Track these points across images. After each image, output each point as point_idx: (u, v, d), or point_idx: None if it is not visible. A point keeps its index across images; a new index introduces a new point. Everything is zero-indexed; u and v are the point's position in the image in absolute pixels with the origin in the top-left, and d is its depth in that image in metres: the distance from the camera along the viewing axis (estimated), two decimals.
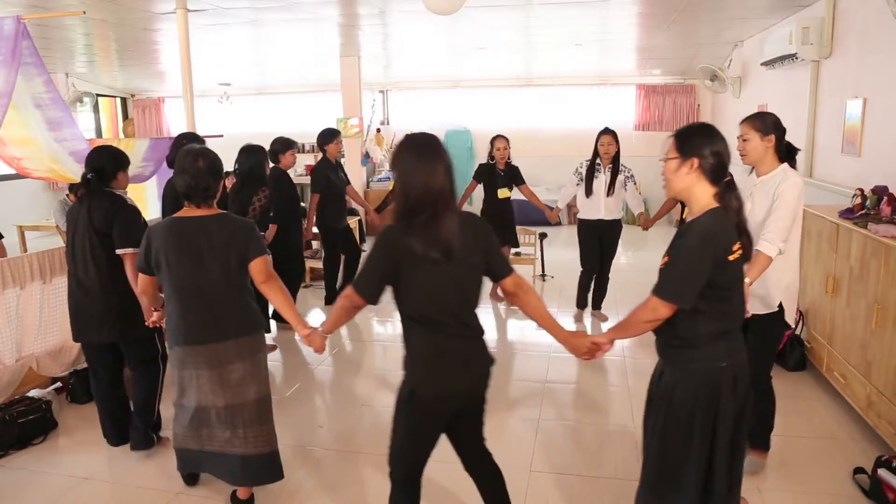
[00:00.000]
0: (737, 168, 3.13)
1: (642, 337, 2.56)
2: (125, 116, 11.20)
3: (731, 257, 1.89)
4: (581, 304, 5.34)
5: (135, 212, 3.14)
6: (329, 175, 5.47)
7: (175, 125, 11.19)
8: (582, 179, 5.02)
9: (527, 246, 6.55)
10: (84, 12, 4.34)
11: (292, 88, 10.82)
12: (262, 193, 4.38)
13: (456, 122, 10.36)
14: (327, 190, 5.42)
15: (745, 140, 2.75)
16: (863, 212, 3.54)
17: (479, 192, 5.73)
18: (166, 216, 3.15)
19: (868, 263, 3.22)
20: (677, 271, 1.90)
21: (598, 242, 5.09)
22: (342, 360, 4.72)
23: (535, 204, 5.64)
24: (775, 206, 2.62)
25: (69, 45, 7.04)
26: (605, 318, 5.27)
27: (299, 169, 9.43)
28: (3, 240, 4.43)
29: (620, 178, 4.95)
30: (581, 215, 5.14)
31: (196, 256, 2.47)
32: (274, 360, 4.63)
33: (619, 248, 5.28)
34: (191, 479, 2.98)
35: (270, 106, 11.05)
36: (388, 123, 10.72)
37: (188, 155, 2.53)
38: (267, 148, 4.74)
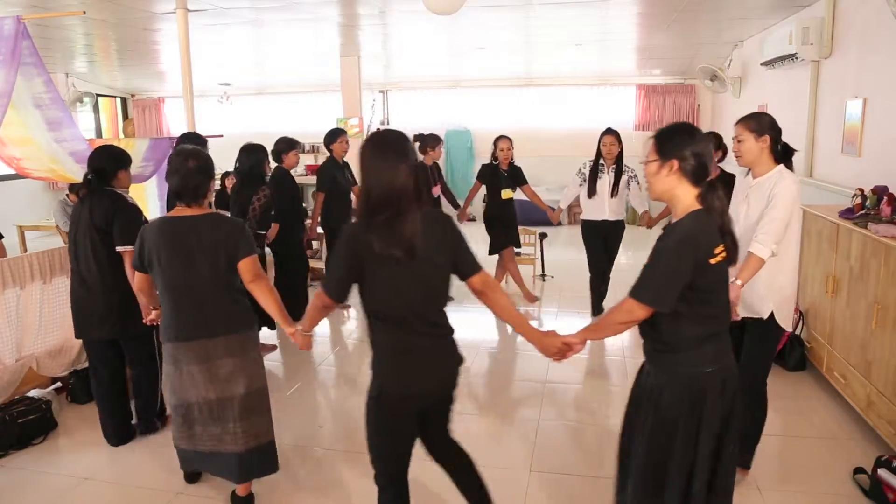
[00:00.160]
0: (736, 168, 3.14)
1: None
2: (125, 116, 11.20)
3: (712, 260, 1.85)
4: (597, 310, 5.26)
5: (135, 210, 3.20)
6: (335, 175, 5.49)
7: (175, 125, 11.19)
8: (585, 180, 4.99)
9: (527, 246, 6.55)
10: (84, 12, 4.34)
11: (292, 88, 10.81)
12: (262, 193, 4.38)
13: (456, 122, 10.36)
14: (333, 189, 5.43)
15: (739, 141, 2.71)
16: (863, 212, 3.54)
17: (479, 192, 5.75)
18: None
19: (868, 263, 3.22)
20: (655, 274, 1.87)
21: (603, 243, 5.07)
22: (343, 359, 4.72)
23: (537, 204, 5.64)
24: (769, 207, 2.59)
25: (69, 45, 7.04)
26: None
27: (299, 169, 9.42)
28: (3, 240, 4.43)
29: (624, 178, 4.93)
30: (584, 216, 5.12)
31: (186, 255, 2.51)
32: (275, 359, 4.63)
33: (620, 248, 5.28)
34: (191, 477, 2.99)
35: (270, 106, 11.04)
36: (388, 123, 10.72)
37: (179, 155, 2.59)
38: (266, 147, 4.74)
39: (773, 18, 5.86)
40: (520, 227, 6.00)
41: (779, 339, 2.81)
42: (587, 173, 4.99)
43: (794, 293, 2.79)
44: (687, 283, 1.82)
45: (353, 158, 8.39)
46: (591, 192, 4.96)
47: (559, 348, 2.12)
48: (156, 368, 3.28)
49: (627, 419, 2.14)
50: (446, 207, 5.83)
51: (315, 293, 2.12)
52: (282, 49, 7.83)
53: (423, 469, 3.09)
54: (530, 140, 9.80)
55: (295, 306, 4.36)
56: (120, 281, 3.11)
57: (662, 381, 1.95)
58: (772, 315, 2.69)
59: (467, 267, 2.10)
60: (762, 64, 5.93)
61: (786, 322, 2.73)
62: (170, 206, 4.22)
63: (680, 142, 1.88)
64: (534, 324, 5.58)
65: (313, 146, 9.60)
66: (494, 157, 5.54)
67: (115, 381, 3.35)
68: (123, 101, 11.21)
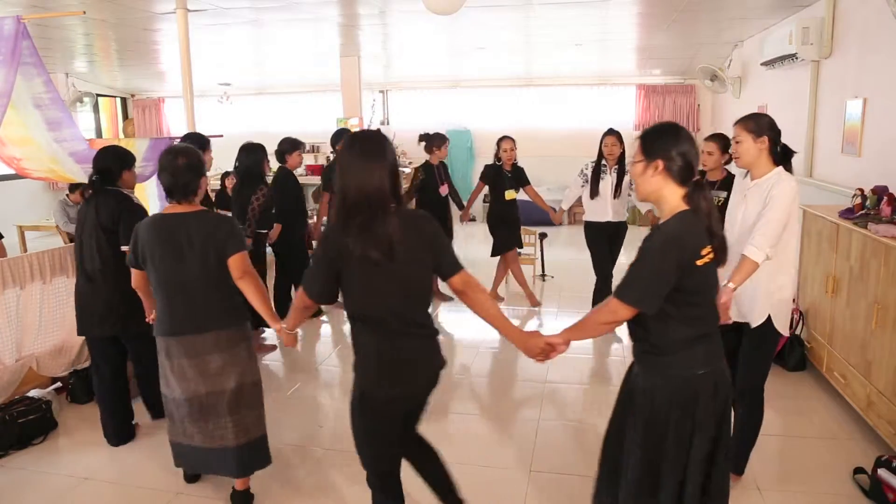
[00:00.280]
0: (735, 169, 3.13)
1: None
2: (125, 116, 11.21)
3: (699, 261, 1.82)
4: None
5: (141, 210, 3.26)
6: None
7: (175, 125, 11.19)
8: (587, 181, 4.97)
9: (527, 246, 6.54)
10: (84, 12, 4.34)
11: (292, 88, 10.82)
12: (261, 192, 4.39)
13: (456, 122, 10.36)
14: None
15: (737, 142, 2.67)
16: (863, 212, 3.54)
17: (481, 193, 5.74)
18: None
19: (868, 263, 3.22)
20: (640, 275, 1.84)
21: (608, 245, 5.04)
22: (343, 359, 4.72)
23: (539, 205, 5.64)
24: (766, 209, 2.54)
25: (69, 45, 7.04)
26: None
27: (299, 168, 9.43)
28: (3, 240, 4.43)
29: (626, 178, 4.89)
30: (587, 218, 5.08)
31: (177, 252, 2.55)
32: (275, 359, 4.64)
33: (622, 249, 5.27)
34: (191, 477, 2.99)
35: (270, 106, 11.05)
36: (388, 123, 10.72)
37: (168, 153, 2.62)
38: (266, 146, 4.75)
39: (773, 18, 5.86)
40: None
41: (776, 344, 2.76)
42: (589, 174, 4.97)
43: (791, 297, 2.73)
44: (674, 284, 1.80)
45: None
46: (594, 193, 4.93)
47: (542, 349, 2.08)
48: (157, 366, 3.29)
49: (615, 420, 2.11)
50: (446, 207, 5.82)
51: (297, 293, 2.12)
52: (282, 49, 7.83)
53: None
54: (530, 140, 9.79)
55: None
56: (122, 279, 3.10)
57: (654, 384, 1.92)
58: (769, 319, 2.65)
59: (448, 267, 2.08)
60: (762, 64, 5.93)
61: (783, 327, 2.68)
62: None
63: (665, 142, 1.86)
64: (534, 323, 5.60)
65: (313, 146, 9.61)
66: (498, 157, 5.52)
67: (117, 379, 3.37)
68: (123, 101, 11.21)
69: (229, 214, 3.81)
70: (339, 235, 1.94)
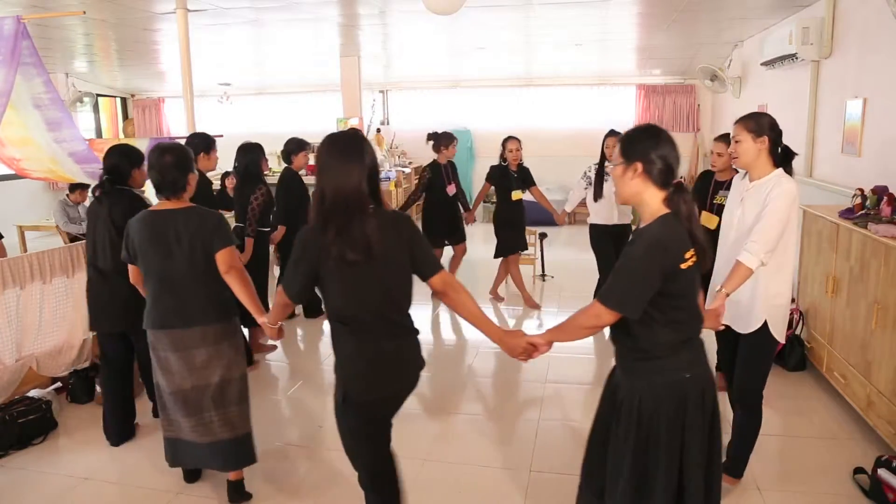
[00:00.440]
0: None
1: None
2: (125, 116, 11.21)
3: (683, 265, 1.80)
4: None
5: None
6: None
7: (175, 125, 11.20)
8: (590, 183, 4.93)
9: None
10: (84, 12, 4.34)
11: (292, 88, 10.82)
12: (260, 192, 4.40)
13: (456, 122, 10.37)
14: None
15: (736, 141, 2.60)
16: (863, 212, 3.54)
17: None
18: None
19: (868, 263, 3.22)
20: (623, 280, 1.82)
21: (613, 248, 4.96)
22: None
23: (544, 206, 5.63)
24: (763, 213, 2.47)
25: (69, 45, 7.04)
26: None
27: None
28: (3, 240, 4.43)
29: None
30: (592, 220, 5.04)
31: (164, 247, 2.61)
32: (276, 359, 4.63)
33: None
34: (191, 477, 2.99)
35: (270, 106, 11.05)
36: (388, 123, 10.73)
37: (155, 151, 2.68)
38: (266, 147, 4.75)
39: (773, 18, 5.86)
40: None
41: (774, 350, 2.70)
42: (592, 176, 4.92)
43: (788, 303, 2.68)
44: (658, 289, 1.78)
45: None
46: (598, 195, 4.88)
47: (525, 348, 2.08)
48: None
49: (599, 424, 2.07)
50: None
51: (277, 290, 2.13)
52: (282, 49, 7.83)
53: (424, 468, 3.10)
54: (530, 140, 9.74)
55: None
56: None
57: (640, 390, 1.89)
58: (765, 325, 2.59)
59: (427, 267, 2.07)
60: (762, 64, 5.93)
61: (780, 333, 2.63)
62: None
63: (644, 144, 1.84)
64: (534, 323, 5.60)
65: (313, 147, 9.61)
66: (503, 157, 5.49)
67: (123, 375, 3.40)
68: (123, 101, 11.21)
69: (226, 213, 3.82)
70: (318, 236, 1.94)
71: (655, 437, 1.86)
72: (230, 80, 10.15)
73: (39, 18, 5.16)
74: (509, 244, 5.57)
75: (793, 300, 4.43)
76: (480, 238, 5.96)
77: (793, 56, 5.11)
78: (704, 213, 3.81)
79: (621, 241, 4.98)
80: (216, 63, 8.54)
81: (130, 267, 2.77)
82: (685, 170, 9.92)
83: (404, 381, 2.14)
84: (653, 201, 1.85)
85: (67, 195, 6.92)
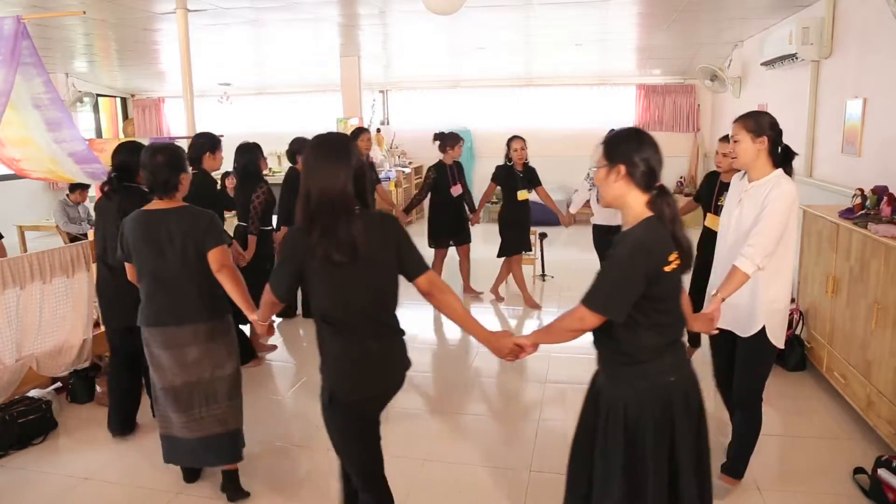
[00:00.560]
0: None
1: None
2: (125, 116, 11.21)
3: (666, 268, 1.79)
4: None
5: None
6: None
7: (175, 125, 11.20)
8: (593, 185, 4.88)
9: None
10: (84, 12, 4.34)
11: (292, 88, 10.82)
12: (261, 190, 4.41)
13: (456, 122, 10.36)
14: None
15: (735, 141, 2.55)
16: (863, 212, 3.54)
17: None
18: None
19: (868, 263, 3.22)
20: (607, 283, 1.82)
21: None
22: None
23: (549, 206, 5.63)
24: (762, 216, 2.42)
25: (69, 45, 7.04)
26: None
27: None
28: (3, 240, 4.43)
29: None
30: (596, 221, 5.02)
31: (157, 246, 2.66)
32: (277, 359, 4.63)
33: None
34: (191, 477, 3.00)
35: (270, 106, 11.05)
36: (388, 123, 10.73)
37: (148, 151, 2.73)
38: (266, 146, 4.76)
39: (773, 18, 5.86)
40: None
41: (772, 356, 2.66)
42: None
43: (787, 307, 2.63)
44: (642, 292, 1.78)
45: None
46: (601, 196, 4.88)
47: (511, 349, 2.08)
48: None
49: (583, 432, 2.06)
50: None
51: (265, 288, 2.14)
52: (282, 49, 7.83)
53: (424, 468, 3.10)
54: (530, 140, 9.66)
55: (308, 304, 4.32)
56: None
57: (624, 394, 1.88)
58: (763, 330, 2.56)
59: (413, 267, 2.08)
60: (762, 64, 5.93)
61: (777, 339, 2.59)
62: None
63: (627, 147, 1.84)
64: (534, 323, 5.59)
65: None
66: (508, 157, 5.48)
67: (131, 369, 3.43)
68: (123, 101, 11.21)
69: (228, 213, 3.83)
70: (303, 237, 1.95)
71: (643, 442, 1.85)
72: (230, 80, 10.15)
73: (39, 18, 5.16)
74: (514, 244, 5.57)
75: (793, 300, 4.43)
76: (480, 237, 5.96)
77: (793, 56, 5.11)
78: (710, 216, 3.79)
79: None
80: (216, 63, 8.53)
81: (127, 265, 2.81)
82: (685, 170, 9.93)
83: (390, 380, 2.15)
84: (636, 204, 1.85)
85: (67, 195, 6.93)
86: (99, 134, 10.46)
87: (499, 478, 3.01)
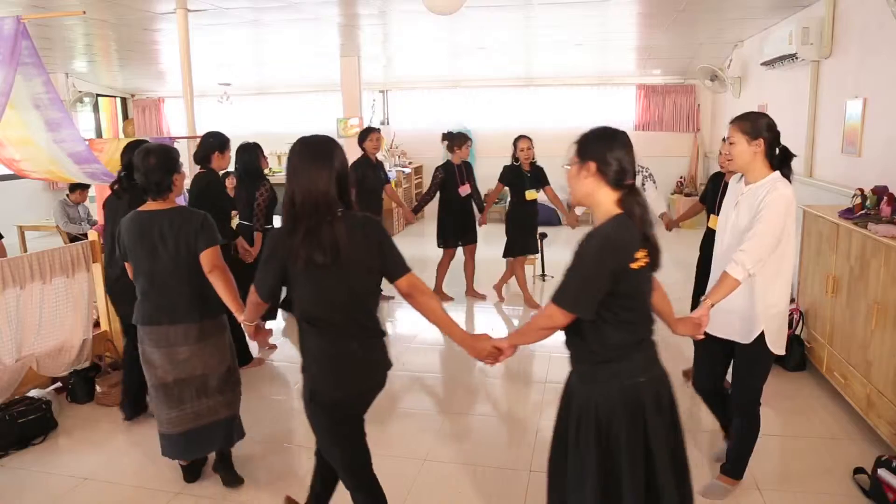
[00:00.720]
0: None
1: None
2: (125, 116, 11.21)
3: (633, 265, 1.78)
4: None
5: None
6: (366, 172, 5.58)
7: (175, 125, 11.20)
8: None
9: None
10: (84, 12, 4.33)
11: (292, 88, 10.82)
12: (264, 188, 4.43)
13: (456, 122, 10.37)
14: (361, 187, 5.54)
15: (731, 143, 2.50)
16: (863, 212, 3.54)
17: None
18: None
19: (868, 263, 3.22)
20: (575, 280, 1.81)
21: None
22: None
23: (557, 206, 5.63)
24: (756, 220, 2.37)
25: (69, 45, 7.04)
26: None
27: None
28: (3, 240, 4.43)
29: (638, 178, 4.77)
30: None
31: (150, 246, 2.70)
32: (279, 358, 4.63)
33: None
34: (190, 476, 3.00)
35: (270, 106, 11.05)
36: (388, 123, 10.73)
37: (140, 153, 2.75)
38: (266, 146, 4.76)
39: (773, 18, 5.86)
40: None
41: (770, 362, 2.61)
42: None
43: (786, 312, 2.58)
44: (608, 289, 1.78)
45: (349, 159, 8.55)
46: None
47: (490, 352, 2.09)
48: None
49: (558, 440, 2.04)
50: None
51: (251, 289, 2.16)
52: (282, 49, 7.83)
53: (423, 468, 3.09)
54: None
55: None
56: None
57: (596, 397, 1.88)
58: (761, 337, 2.52)
59: (394, 269, 2.10)
60: (762, 64, 5.93)
61: (776, 344, 2.55)
62: (190, 203, 4.32)
63: (598, 145, 1.85)
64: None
65: None
66: (515, 157, 5.46)
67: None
68: (123, 101, 11.21)
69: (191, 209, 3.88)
70: (287, 238, 1.97)
71: (615, 442, 1.84)
72: (230, 80, 10.15)
73: (39, 18, 5.16)
74: (519, 245, 5.56)
75: (793, 300, 4.43)
76: (483, 238, 5.96)
77: (793, 56, 5.11)
78: (713, 217, 3.75)
79: None
80: (216, 63, 8.53)
81: (126, 264, 2.86)
82: (685, 170, 9.93)
83: (371, 380, 2.17)
84: (605, 201, 1.85)
85: (67, 195, 6.93)
86: (99, 134, 10.46)
87: (499, 478, 3.01)
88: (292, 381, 4.25)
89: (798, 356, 4.08)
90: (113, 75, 9.74)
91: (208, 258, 2.70)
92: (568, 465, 1.96)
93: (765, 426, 2.81)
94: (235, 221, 4.59)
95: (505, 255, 5.63)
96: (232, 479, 2.95)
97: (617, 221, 1.82)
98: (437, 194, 5.70)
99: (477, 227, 5.78)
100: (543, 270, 6.66)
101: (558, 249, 7.73)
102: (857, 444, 3.21)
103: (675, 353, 4.13)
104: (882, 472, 2.70)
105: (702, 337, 2.27)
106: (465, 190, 5.65)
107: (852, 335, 3.41)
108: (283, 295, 2.25)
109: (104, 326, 4.28)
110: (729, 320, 2.56)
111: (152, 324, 2.77)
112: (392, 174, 9.32)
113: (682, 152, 9.90)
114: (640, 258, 1.81)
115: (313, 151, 2.01)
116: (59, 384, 3.93)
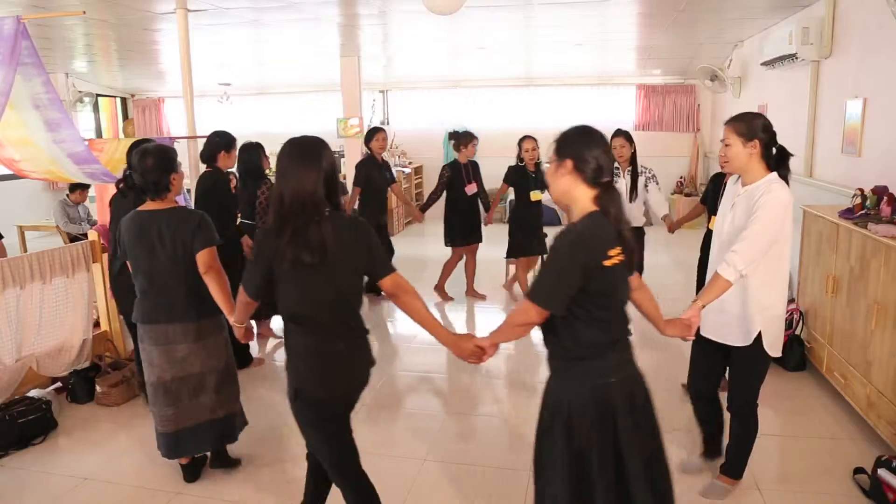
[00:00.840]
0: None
1: (642, 336, 2.56)
2: (125, 116, 11.21)
3: (606, 263, 1.78)
4: None
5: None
6: (372, 172, 5.61)
7: (175, 125, 11.20)
8: None
9: None
10: (84, 12, 4.33)
11: (292, 88, 10.82)
12: (265, 187, 4.45)
13: (456, 122, 10.36)
14: (367, 186, 5.58)
15: (726, 145, 2.48)
16: (863, 212, 3.54)
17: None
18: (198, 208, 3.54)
19: (868, 263, 3.22)
20: (548, 276, 1.84)
21: None
22: None
23: (563, 208, 5.59)
24: (749, 221, 2.34)
25: (69, 45, 7.04)
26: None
27: None
28: (3, 240, 4.43)
29: (641, 179, 4.68)
30: None
31: (149, 246, 2.74)
32: (280, 358, 4.63)
33: (645, 255, 4.85)
34: (190, 476, 3.00)
35: (270, 106, 11.05)
36: (388, 123, 10.73)
37: (138, 153, 2.78)
38: (267, 146, 4.76)
39: (773, 18, 5.86)
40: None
41: (766, 364, 2.59)
42: None
43: (783, 314, 2.56)
44: (580, 285, 1.78)
45: (349, 158, 8.56)
46: None
47: (472, 351, 2.10)
48: None
49: (539, 423, 2.04)
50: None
51: (240, 288, 2.18)
52: (282, 49, 7.82)
53: (424, 468, 3.09)
54: None
55: None
56: None
57: (567, 394, 1.89)
58: (758, 340, 2.50)
59: (379, 269, 2.13)
60: (762, 64, 5.93)
61: (773, 348, 2.53)
62: (196, 201, 4.33)
63: (575, 143, 1.87)
64: None
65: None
66: (520, 157, 5.45)
67: None
68: (123, 101, 11.21)
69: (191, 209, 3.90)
70: (274, 237, 1.99)
71: (588, 441, 1.85)
72: (230, 80, 10.15)
73: (39, 18, 5.16)
74: (523, 246, 5.55)
75: (793, 300, 4.43)
76: (485, 238, 5.96)
77: (793, 56, 5.11)
78: (714, 218, 3.75)
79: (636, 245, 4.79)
80: (216, 63, 8.53)
81: (128, 262, 2.87)
82: (685, 170, 9.93)
83: (356, 379, 2.19)
84: (582, 199, 1.86)
85: (67, 195, 6.93)
86: (99, 134, 10.46)
87: (499, 478, 3.01)
88: (284, 381, 4.24)
89: (798, 356, 4.08)
90: (113, 75, 9.74)
91: (204, 259, 2.74)
92: (543, 457, 1.98)
93: (765, 426, 2.81)
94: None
95: (508, 256, 5.63)
96: (229, 464, 3.05)
97: (591, 219, 1.84)
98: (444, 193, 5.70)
99: (482, 226, 5.78)
100: None
101: None
102: (857, 444, 3.21)
103: (677, 356, 4.13)
104: (882, 472, 2.71)
105: (692, 338, 2.26)
106: (471, 189, 5.65)
107: (852, 335, 3.41)
108: None
109: (104, 326, 4.28)
110: (725, 323, 2.55)
111: (151, 322, 2.81)
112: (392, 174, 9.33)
113: (682, 152, 9.90)
114: (614, 256, 1.81)
115: (302, 152, 2.03)
116: (59, 384, 3.93)
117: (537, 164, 5.48)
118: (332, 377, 2.10)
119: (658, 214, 4.76)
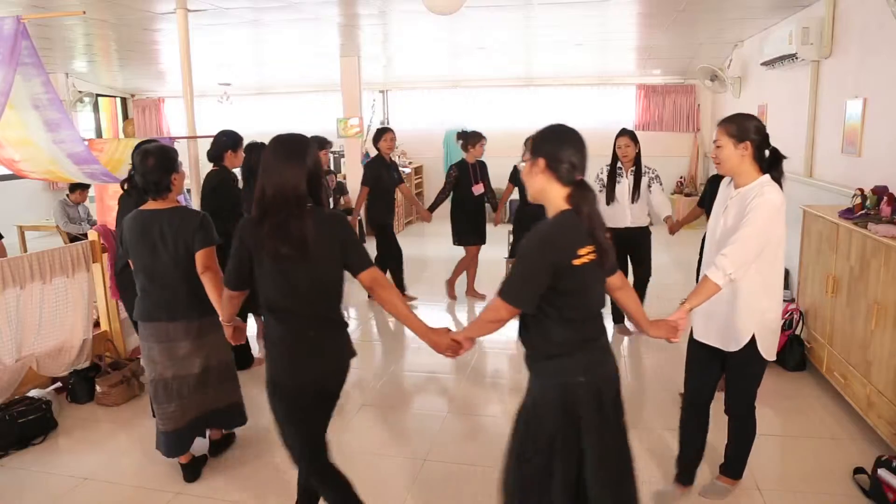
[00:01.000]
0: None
1: (642, 336, 2.56)
2: (125, 116, 11.21)
3: (576, 262, 1.78)
4: (617, 318, 4.92)
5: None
6: (380, 172, 5.61)
7: (175, 125, 11.20)
8: (604, 186, 4.63)
9: None
10: (84, 12, 4.33)
11: (292, 88, 10.82)
12: None
13: (456, 122, 10.37)
14: (375, 186, 5.58)
15: (717, 146, 2.43)
16: (863, 212, 3.54)
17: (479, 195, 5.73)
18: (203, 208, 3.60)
19: (868, 263, 3.22)
20: (518, 274, 1.85)
21: (626, 252, 4.61)
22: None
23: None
24: (741, 224, 2.30)
25: (69, 45, 7.04)
26: (628, 333, 4.85)
27: None
28: (3, 240, 4.43)
29: (644, 180, 4.63)
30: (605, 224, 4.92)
31: (151, 245, 2.77)
32: None
33: (651, 255, 4.82)
34: (191, 476, 3.00)
35: (270, 106, 11.05)
36: (388, 123, 10.73)
37: (139, 153, 2.82)
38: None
39: (773, 18, 5.86)
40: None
41: (762, 368, 2.56)
42: (605, 179, 4.65)
43: (778, 318, 2.53)
44: (548, 283, 1.79)
45: (349, 158, 8.55)
46: (610, 198, 4.58)
47: (448, 345, 2.13)
48: None
49: (513, 424, 2.05)
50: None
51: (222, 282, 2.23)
52: (282, 49, 7.82)
53: (424, 468, 3.09)
54: None
55: None
56: None
57: (535, 390, 1.91)
58: (753, 343, 2.46)
59: (357, 263, 2.17)
60: (762, 64, 5.93)
61: (768, 351, 2.49)
62: (202, 200, 4.34)
63: (549, 142, 1.88)
64: None
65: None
66: (524, 159, 5.46)
67: None
68: (123, 101, 11.21)
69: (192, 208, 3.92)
70: (254, 230, 2.05)
71: (552, 440, 1.86)
72: (230, 80, 10.15)
73: (39, 18, 5.16)
74: None
75: (793, 300, 4.43)
76: (492, 238, 5.97)
77: (793, 56, 5.11)
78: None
79: (638, 245, 4.68)
80: (216, 63, 8.53)
81: (130, 261, 2.91)
82: (685, 170, 9.93)
83: (324, 368, 2.21)
84: (555, 197, 1.87)
85: (67, 195, 6.93)
86: (99, 134, 10.47)
87: (499, 478, 3.01)
88: None
89: (798, 356, 4.08)
90: (113, 75, 9.74)
91: (202, 258, 2.76)
92: (512, 450, 1.99)
93: (765, 426, 2.82)
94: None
95: (509, 257, 5.63)
96: (227, 442, 3.15)
97: (562, 217, 1.85)
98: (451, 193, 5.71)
99: (486, 227, 5.78)
100: None
101: None
102: (857, 444, 3.21)
103: (677, 357, 4.12)
104: (882, 472, 2.71)
105: (677, 340, 2.20)
106: (478, 189, 5.66)
107: (852, 335, 3.41)
108: None
109: (104, 326, 4.28)
110: (718, 327, 2.53)
111: (152, 320, 2.84)
112: None
113: (682, 152, 9.90)
114: (584, 255, 1.81)
115: (287, 150, 2.09)
116: (59, 384, 3.92)
117: None
118: (300, 363, 2.14)
119: (661, 215, 4.69)
